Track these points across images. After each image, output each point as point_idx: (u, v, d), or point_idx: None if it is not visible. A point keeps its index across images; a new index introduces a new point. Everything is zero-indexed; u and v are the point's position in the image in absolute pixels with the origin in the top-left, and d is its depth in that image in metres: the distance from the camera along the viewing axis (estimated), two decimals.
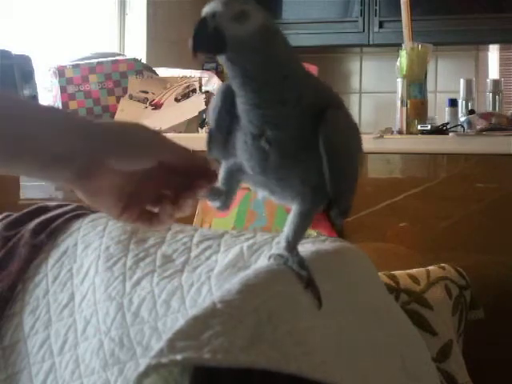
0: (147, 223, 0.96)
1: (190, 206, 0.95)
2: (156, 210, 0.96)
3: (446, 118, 2.67)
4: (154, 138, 0.94)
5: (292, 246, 1.08)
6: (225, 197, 1.07)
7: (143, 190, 0.95)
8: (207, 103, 2.44)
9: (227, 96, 1.01)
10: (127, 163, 0.91)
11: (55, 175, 0.91)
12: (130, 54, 3.45)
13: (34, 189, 2.55)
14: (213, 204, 1.07)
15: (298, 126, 0.99)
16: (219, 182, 1.07)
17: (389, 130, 2.17)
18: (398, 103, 2.19)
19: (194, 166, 0.94)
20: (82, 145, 0.89)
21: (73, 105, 2.63)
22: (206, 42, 0.93)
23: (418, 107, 2.19)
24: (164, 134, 0.96)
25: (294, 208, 1.08)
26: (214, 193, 1.06)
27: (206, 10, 0.93)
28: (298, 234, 1.08)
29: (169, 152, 0.93)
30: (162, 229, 0.98)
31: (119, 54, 3.09)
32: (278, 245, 1.12)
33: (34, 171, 0.90)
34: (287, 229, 1.08)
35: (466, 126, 2.16)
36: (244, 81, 0.96)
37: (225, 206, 1.08)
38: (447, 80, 4.08)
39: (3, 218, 1.80)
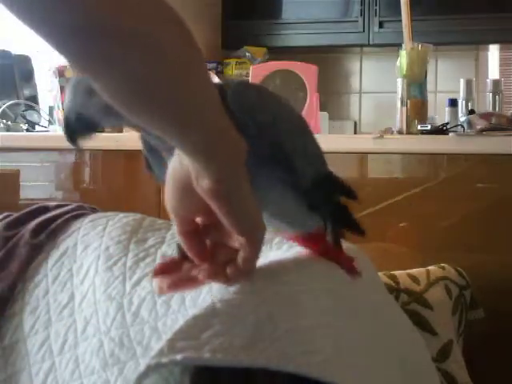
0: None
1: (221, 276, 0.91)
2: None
3: (446, 118, 2.66)
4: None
5: None
6: None
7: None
8: None
9: None
10: None
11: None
12: None
13: (34, 189, 2.55)
14: None
15: None
16: None
17: (389, 130, 2.17)
18: (398, 103, 2.20)
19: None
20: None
21: None
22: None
23: (417, 107, 2.19)
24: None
25: None
26: None
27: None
28: None
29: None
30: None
31: None
32: None
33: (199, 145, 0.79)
34: None
35: (466, 125, 2.16)
36: None
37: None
38: (447, 80, 4.08)
39: (3, 218, 1.79)
